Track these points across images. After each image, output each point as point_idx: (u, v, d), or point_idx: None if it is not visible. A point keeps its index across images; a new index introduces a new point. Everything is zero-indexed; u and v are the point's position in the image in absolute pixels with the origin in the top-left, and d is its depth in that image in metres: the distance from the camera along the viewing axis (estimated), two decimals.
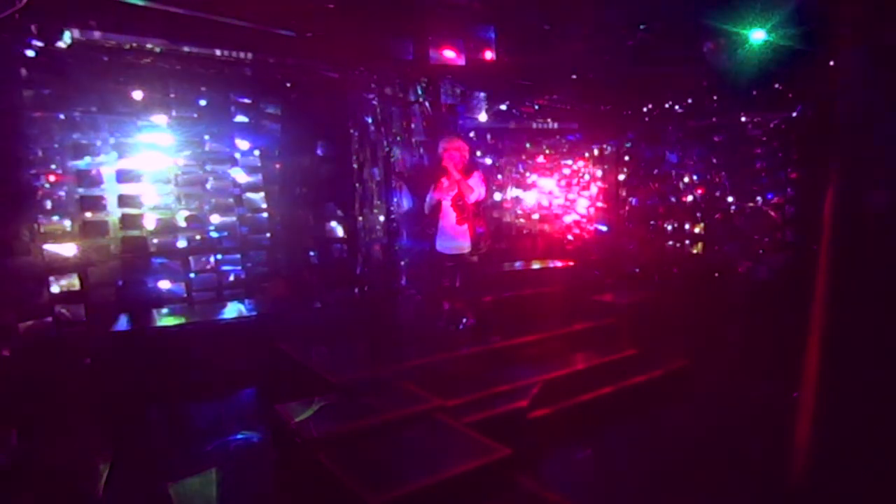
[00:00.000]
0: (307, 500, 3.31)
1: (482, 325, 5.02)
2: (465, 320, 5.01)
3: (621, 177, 8.43)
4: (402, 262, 6.11)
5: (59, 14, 4.35)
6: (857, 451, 2.41)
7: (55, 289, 5.24)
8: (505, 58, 5.93)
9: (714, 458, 3.64)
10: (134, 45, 5.04)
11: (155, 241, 6.16)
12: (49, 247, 5.29)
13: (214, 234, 6.58)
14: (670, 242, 7.94)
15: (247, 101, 6.60)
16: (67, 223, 5.53)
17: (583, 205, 8.84)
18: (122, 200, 5.88)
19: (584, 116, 8.34)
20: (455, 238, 4.98)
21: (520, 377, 4.35)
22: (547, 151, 9.08)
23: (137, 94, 5.82)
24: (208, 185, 6.53)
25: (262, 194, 6.84)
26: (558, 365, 4.73)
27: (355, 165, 6.44)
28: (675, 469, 3.52)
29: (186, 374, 4.63)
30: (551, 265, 7.98)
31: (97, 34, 4.77)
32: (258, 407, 4.59)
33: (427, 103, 6.16)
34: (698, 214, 7.71)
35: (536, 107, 8.10)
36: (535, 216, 9.10)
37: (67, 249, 5.43)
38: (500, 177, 8.84)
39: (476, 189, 4.90)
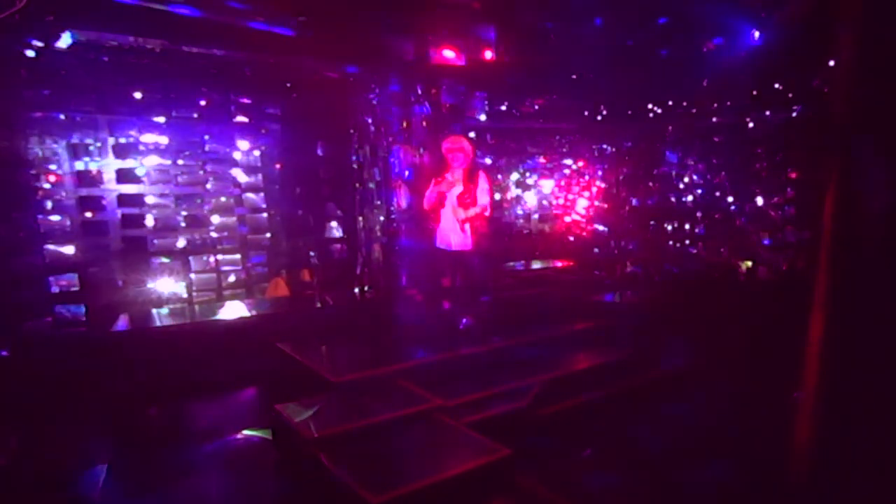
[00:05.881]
0: (308, 500, 3.31)
1: (482, 325, 5.02)
2: (465, 320, 5.01)
3: (621, 177, 8.43)
4: (402, 262, 6.11)
5: (59, 14, 4.34)
6: (857, 451, 2.41)
7: (55, 289, 5.24)
8: (505, 58, 5.93)
9: (714, 458, 3.64)
10: (134, 45, 5.03)
11: (155, 241, 6.17)
12: (49, 247, 5.30)
13: (214, 234, 6.58)
14: (670, 242, 7.93)
15: (247, 101, 6.61)
16: (67, 223, 5.54)
17: (583, 205, 8.84)
18: (122, 200, 5.89)
19: (584, 116, 8.34)
20: (456, 236, 4.98)
21: (520, 377, 4.34)
22: (547, 152, 9.08)
23: (137, 94, 5.83)
24: (208, 185, 6.54)
25: (262, 194, 6.86)
26: (558, 365, 4.72)
27: (355, 165, 6.44)
28: (674, 469, 3.52)
29: (186, 374, 4.63)
30: (551, 265, 7.98)
31: (97, 34, 4.76)
32: (258, 407, 4.59)
33: (427, 103, 6.16)
34: (698, 214, 7.71)
35: (536, 107, 8.10)
36: (535, 216, 9.10)
37: (67, 249, 5.43)
38: (500, 177, 8.84)
39: (481, 199, 4.89)
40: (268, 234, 6.90)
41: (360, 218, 6.42)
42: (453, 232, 4.97)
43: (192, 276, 6.34)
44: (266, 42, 5.23)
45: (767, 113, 6.87)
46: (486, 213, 4.98)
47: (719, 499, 3.23)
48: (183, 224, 6.36)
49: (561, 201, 9.05)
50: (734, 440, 3.82)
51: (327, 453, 3.11)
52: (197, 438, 4.06)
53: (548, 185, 9.11)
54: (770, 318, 5.27)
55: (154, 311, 5.72)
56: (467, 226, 4.90)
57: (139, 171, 5.99)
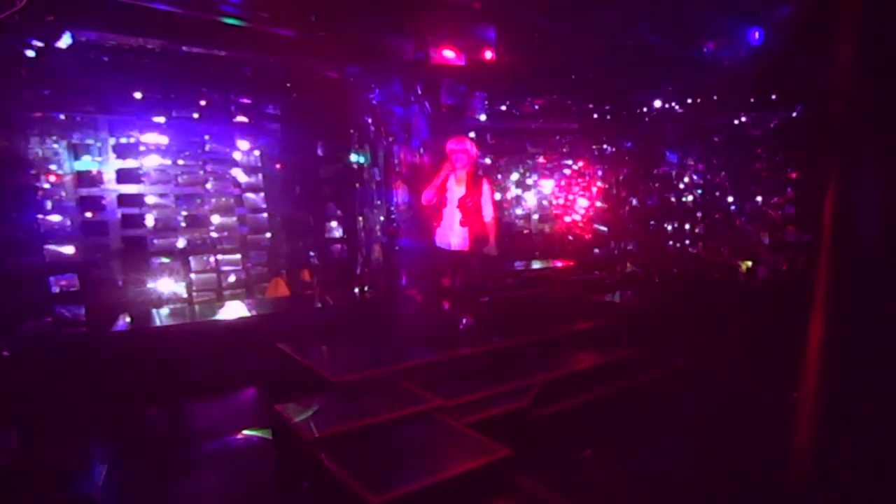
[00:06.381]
0: (308, 500, 3.31)
1: (482, 325, 5.02)
2: (465, 320, 5.00)
3: (621, 177, 8.43)
4: (402, 262, 6.11)
5: (59, 14, 4.34)
6: (857, 451, 2.41)
7: (55, 289, 5.24)
8: (505, 58, 5.93)
9: (713, 458, 3.64)
10: (134, 45, 5.03)
11: (155, 241, 6.17)
12: (49, 247, 5.29)
13: (214, 234, 6.58)
14: (670, 242, 7.94)
15: (247, 101, 6.61)
16: (67, 223, 5.54)
17: (583, 205, 8.84)
18: (122, 200, 5.89)
19: (584, 116, 8.34)
20: (455, 237, 4.98)
21: (520, 377, 4.34)
22: (547, 152, 9.08)
23: (137, 94, 5.83)
24: (208, 185, 6.54)
25: (262, 194, 6.86)
26: (558, 365, 4.72)
27: (355, 165, 6.44)
28: (674, 469, 3.52)
29: (186, 374, 4.63)
30: (551, 265, 7.98)
31: (97, 34, 4.76)
32: (258, 407, 4.59)
33: (427, 103, 6.16)
34: (698, 214, 7.71)
35: (536, 107, 8.10)
36: (535, 216, 9.11)
37: (67, 249, 5.43)
38: (500, 177, 8.85)
39: (485, 208, 4.90)
40: (268, 234, 6.90)
41: (360, 218, 6.42)
42: (453, 233, 4.97)
43: (192, 276, 6.34)
44: (266, 42, 5.22)
45: (767, 113, 6.87)
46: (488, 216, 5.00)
47: (719, 499, 3.23)
48: (183, 224, 6.36)
49: (561, 201, 9.05)
50: (734, 440, 3.82)
51: (327, 453, 3.11)
52: (197, 438, 4.07)
53: (548, 185, 9.11)
54: (770, 318, 5.28)
55: (154, 311, 5.71)
56: (467, 228, 4.91)
57: (139, 171, 5.99)
